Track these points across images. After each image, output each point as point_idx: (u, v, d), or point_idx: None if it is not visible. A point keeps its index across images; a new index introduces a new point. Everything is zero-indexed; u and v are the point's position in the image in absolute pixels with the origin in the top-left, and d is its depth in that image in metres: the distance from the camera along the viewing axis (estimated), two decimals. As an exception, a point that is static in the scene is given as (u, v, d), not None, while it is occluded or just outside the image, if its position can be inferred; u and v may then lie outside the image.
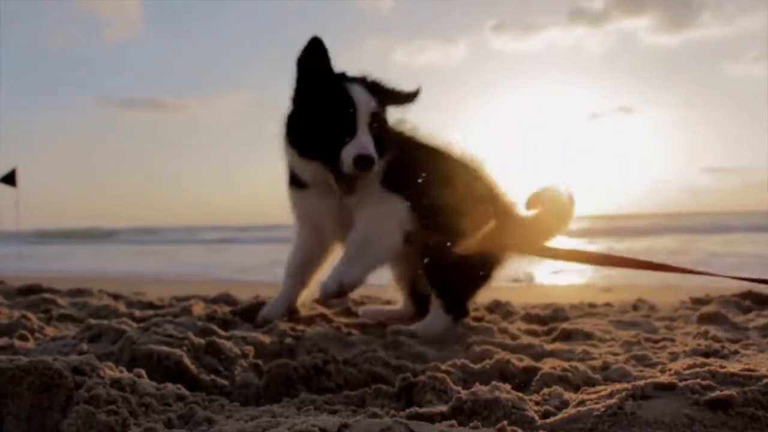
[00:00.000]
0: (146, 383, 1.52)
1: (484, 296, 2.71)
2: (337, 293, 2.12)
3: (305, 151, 2.17)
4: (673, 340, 2.27)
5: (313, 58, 2.13)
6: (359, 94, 2.11)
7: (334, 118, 2.08)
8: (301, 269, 2.52)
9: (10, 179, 12.03)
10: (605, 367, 1.83)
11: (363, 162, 2.02)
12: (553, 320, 2.85)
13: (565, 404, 1.39)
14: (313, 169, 2.18)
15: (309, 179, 2.24)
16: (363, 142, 2.04)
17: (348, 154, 2.03)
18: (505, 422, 1.25)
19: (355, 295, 3.52)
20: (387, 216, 2.22)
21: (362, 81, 2.18)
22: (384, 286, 2.91)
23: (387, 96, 2.22)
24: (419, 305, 2.60)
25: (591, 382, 1.65)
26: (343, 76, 2.18)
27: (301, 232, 2.49)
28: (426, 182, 2.23)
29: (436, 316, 2.35)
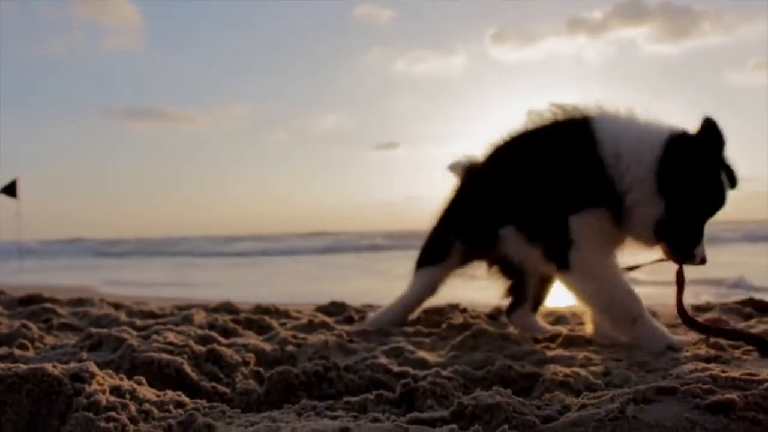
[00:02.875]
0: (146, 390, 1.52)
1: (486, 304, 2.71)
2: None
3: (665, 238, 2.17)
4: (675, 347, 2.26)
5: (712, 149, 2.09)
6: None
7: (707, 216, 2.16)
8: None
9: (10, 190, 12.04)
10: (607, 372, 1.83)
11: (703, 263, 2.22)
12: (554, 327, 2.83)
13: (566, 409, 1.38)
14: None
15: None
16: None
17: (700, 252, 2.19)
18: (506, 426, 1.25)
19: (356, 303, 3.53)
20: None
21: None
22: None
23: None
24: None
25: (593, 388, 1.65)
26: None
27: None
28: None
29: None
